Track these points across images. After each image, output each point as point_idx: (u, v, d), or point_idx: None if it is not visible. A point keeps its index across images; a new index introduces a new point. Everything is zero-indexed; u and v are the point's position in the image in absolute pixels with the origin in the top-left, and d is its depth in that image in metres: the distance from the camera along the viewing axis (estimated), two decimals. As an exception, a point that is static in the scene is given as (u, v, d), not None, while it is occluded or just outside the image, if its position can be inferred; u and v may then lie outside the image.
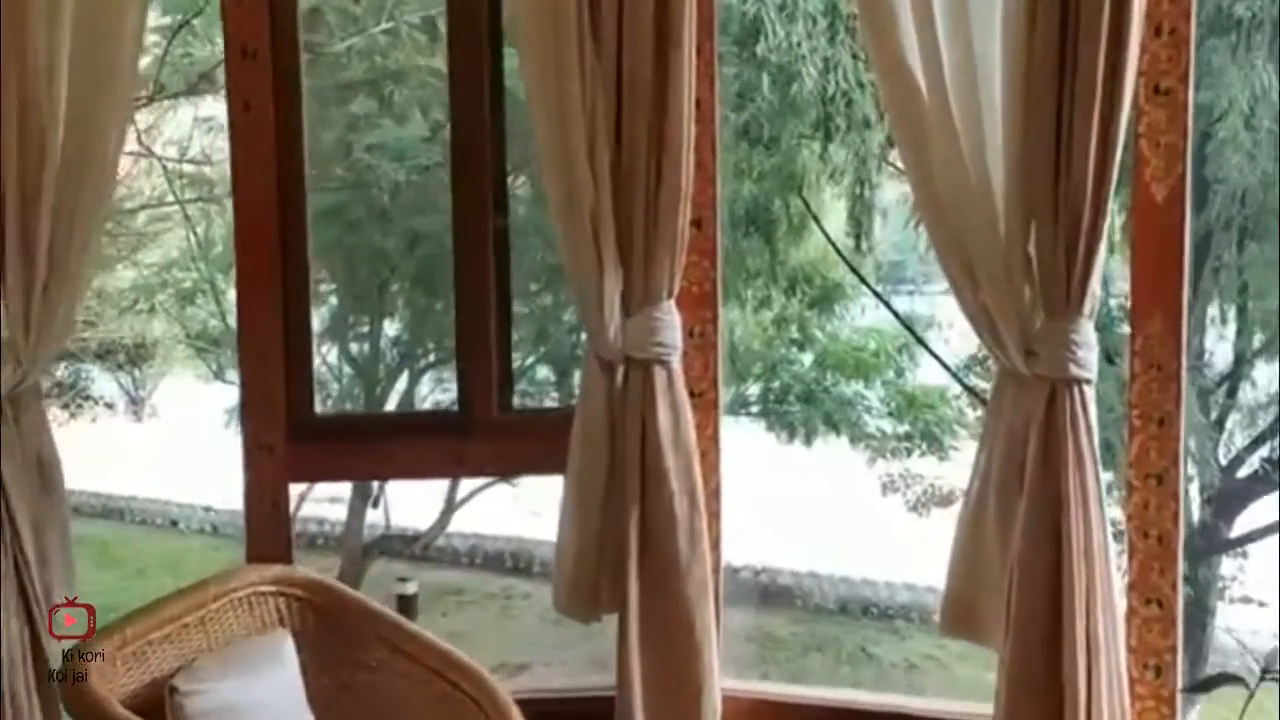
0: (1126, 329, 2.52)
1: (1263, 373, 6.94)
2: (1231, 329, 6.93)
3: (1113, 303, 5.71)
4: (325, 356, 7.68)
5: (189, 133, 7.78)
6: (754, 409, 7.92)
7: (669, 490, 2.59)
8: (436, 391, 7.76)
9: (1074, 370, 2.31)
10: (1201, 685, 2.64)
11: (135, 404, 10.50)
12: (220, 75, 5.23)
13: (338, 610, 2.47)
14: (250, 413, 2.86)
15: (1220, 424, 6.91)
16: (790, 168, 6.98)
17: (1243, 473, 6.96)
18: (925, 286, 8.02)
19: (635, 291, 2.60)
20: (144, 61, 7.32)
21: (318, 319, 7.68)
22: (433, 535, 8.40)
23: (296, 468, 2.88)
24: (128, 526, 10.38)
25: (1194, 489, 6.69)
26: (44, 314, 2.60)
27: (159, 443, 10.35)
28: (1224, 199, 6.16)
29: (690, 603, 2.61)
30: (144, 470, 10.41)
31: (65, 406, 9.45)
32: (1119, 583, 2.37)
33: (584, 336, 2.73)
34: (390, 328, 7.93)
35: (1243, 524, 6.98)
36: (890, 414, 7.73)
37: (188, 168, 7.97)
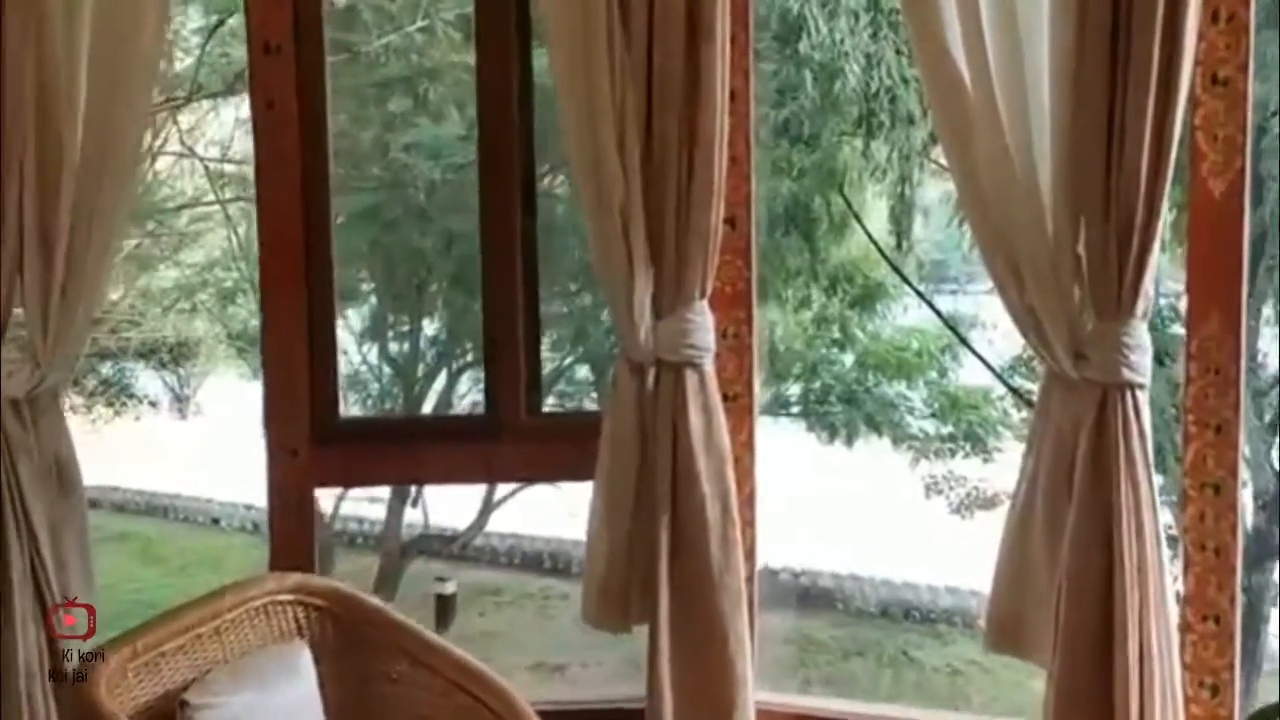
0: (1178, 329, 2.42)
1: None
2: (1287, 329, 6.78)
3: (1163, 301, 5.61)
4: (366, 356, 7.68)
5: (230, 133, 7.81)
6: (794, 410, 7.87)
7: (700, 494, 2.53)
8: (474, 391, 7.74)
9: (1126, 374, 2.23)
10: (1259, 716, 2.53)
11: (180, 402, 10.61)
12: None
13: (358, 620, 2.41)
14: (274, 415, 2.82)
15: (1275, 427, 6.76)
16: (831, 165, 6.92)
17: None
18: (969, 286, 7.93)
19: (666, 292, 2.53)
20: (186, 63, 7.41)
21: (358, 318, 7.74)
22: (471, 535, 8.39)
23: (321, 472, 2.85)
24: (171, 524, 10.46)
25: (1247, 494, 6.55)
26: (62, 316, 2.57)
27: (202, 441, 10.44)
28: (1278, 195, 6.02)
29: (724, 615, 2.55)
30: (188, 468, 10.50)
31: (110, 404, 9.57)
32: (1173, 596, 2.29)
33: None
34: (429, 327, 7.93)
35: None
36: (933, 415, 7.67)
37: (229, 168, 8.01)
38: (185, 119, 7.77)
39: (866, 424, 7.56)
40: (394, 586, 7.85)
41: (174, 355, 9.51)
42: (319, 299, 2.82)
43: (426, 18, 6.63)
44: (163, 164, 8.02)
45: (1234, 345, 2.34)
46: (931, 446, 7.68)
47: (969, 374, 7.64)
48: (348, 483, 4.00)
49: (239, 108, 7.53)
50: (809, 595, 8.25)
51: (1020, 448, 2.42)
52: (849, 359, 7.77)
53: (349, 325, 7.72)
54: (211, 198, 8.09)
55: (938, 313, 7.67)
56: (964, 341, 7.58)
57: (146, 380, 9.85)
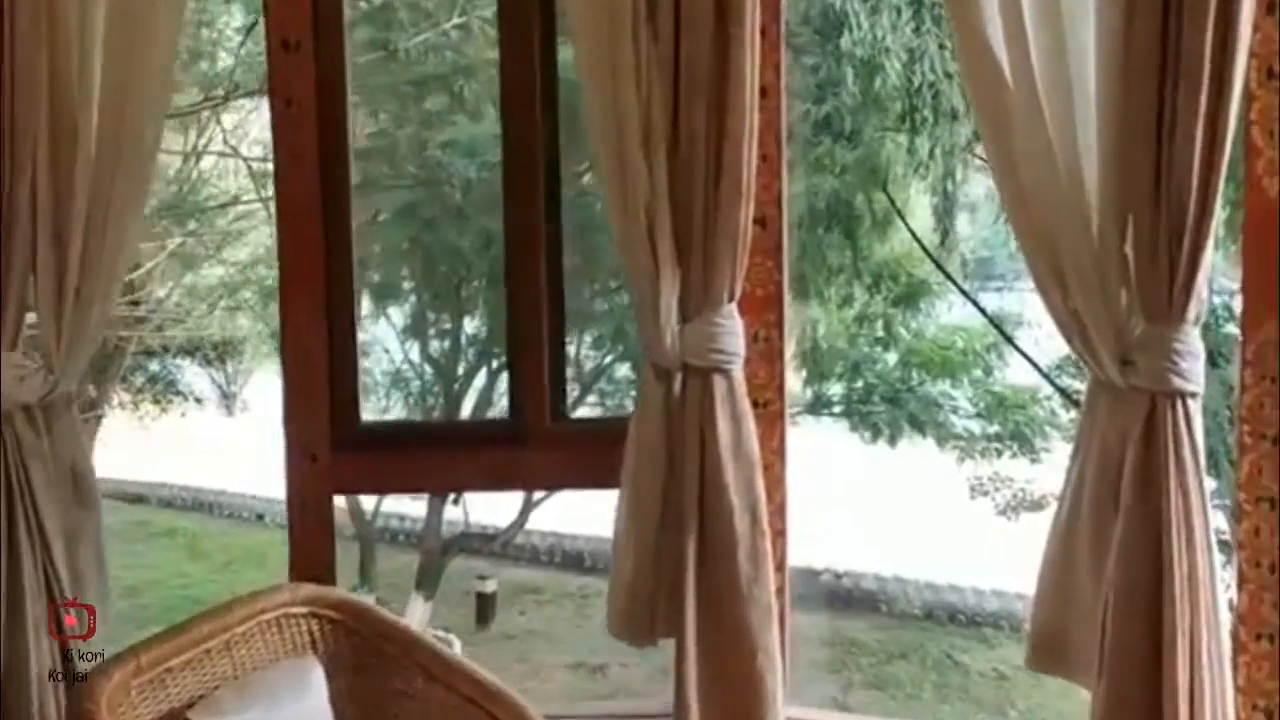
0: (1232, 329, 2.32)
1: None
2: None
3: (1216, 300, 5.47)
4: (408, 353, 7.68)
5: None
6: (836, 409, 7.79)
7: (729, 505, 2.44)
8: (513, 390, 7.72)
9: (1176, 383, 2.12)
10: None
11: (227, 399, 10.69)
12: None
13: (373, 635, 2.35)
14: (293, 420, 2.75)
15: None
16: (873, 161, 6.84)
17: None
18: (1015, 283, 7.83)
19: (693, 294, 2.44)
20: (228, 62, 7.44)
21: (400, 316, 7.75)
22: (511, 533, 8.38)
23: (340, 477, 2.78)
24: (216, 519, 10.56)
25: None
26: (75, 319, 2.53)
27: (247, 437, 10.51)
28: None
29: (752, 629, 2.45)
30: (233, 465, 10.59)
31: (156, 401, 9.66)
32: (1226, 605, 2.20)
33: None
34: (469, 325, 7.93)
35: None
36: (979, 415, 7.58)
37: (270, 166, 8.03)
38: (229, 119, 7.81)
39: (910, 424, 7.51)
40: (434, 584, 7.87)
41: (219, 352, 9.60)
42: (339, 301, 2.76)
43: (463, 15, 6.62)
44: (207, 163, 8.09)
45: (1292, 351, 2.24)
46: (977, 447, 7.61)
47: (1015, 373, 7.57)
48: (368, 489, 3.96)
49: (278, 107, 7.56)
50: (851, 597, 8.18)
51: (1068, 448, 2.34)
52: (892, 358, 7.72)
53: (391, 323, 7.74)
54: (252, 195, 8.14)
55: (983, 311, 7.60)
56: (1010, 340, 7.49)
57: (192, 377, 9.94)
